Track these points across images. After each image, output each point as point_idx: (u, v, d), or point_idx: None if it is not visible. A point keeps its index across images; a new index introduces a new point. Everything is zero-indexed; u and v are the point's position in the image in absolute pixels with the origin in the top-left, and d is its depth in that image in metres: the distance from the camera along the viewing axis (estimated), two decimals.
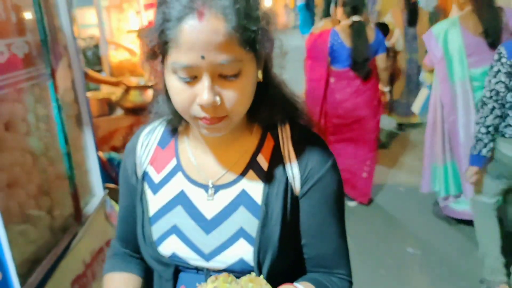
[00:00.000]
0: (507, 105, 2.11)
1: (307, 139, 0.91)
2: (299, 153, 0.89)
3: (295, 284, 0.86)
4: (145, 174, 0.94)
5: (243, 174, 0.89)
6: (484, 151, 2.19)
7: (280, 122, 0.91)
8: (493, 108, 2.13)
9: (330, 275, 0.91)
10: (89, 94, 3.29)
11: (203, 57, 0.72)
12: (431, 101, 2.97)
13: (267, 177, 0.88)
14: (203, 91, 0.74)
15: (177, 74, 0.75)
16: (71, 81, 1.64)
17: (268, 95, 0.86)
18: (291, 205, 0.88)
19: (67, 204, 1.53)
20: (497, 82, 2.10)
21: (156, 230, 0.91)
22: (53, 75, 1.43)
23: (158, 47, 0.76)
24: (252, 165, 0.89)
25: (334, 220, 0.91)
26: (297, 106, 0.94)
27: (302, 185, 0.88)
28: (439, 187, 3.07)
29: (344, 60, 3.22)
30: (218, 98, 0.75)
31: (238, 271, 0.87)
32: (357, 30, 3.13)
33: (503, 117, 2.14)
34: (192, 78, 0.75)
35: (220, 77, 0.75)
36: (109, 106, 3.29)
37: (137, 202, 0.94)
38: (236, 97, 0.77)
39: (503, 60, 2.07)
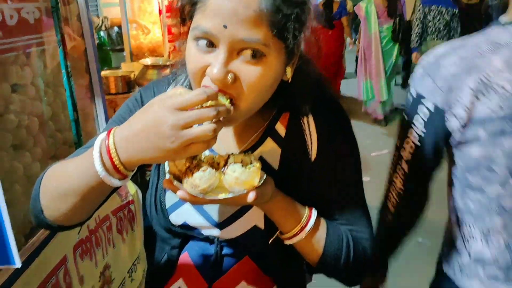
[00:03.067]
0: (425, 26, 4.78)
1: (326, 105, 0.89)
2: (318, 119, 0.87)
3: (314, 209, 0.85)
4: None
5: (261, 141, 0.88)
6: (416, 45, 4.83)
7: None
8: (417, 26, 4.76)
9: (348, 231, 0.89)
10: (108, 72, 3.36)
11: (225, 27, 0.67)
12: (360, 45, 5.60)
13: (284, 144, 0.87)
14: (216, 63, 0.69)
15: (197, 41, 0.71)
16: (83, 51, 1.66)
17: (294, 88, 0.83)
18: (307, 170, 0.87)
19: None
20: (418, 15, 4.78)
21: (170, 198, 0.89)
22: (63, 42, 1.45)
23: (187, 7, 0.74)
24: (270, 132, 0.88)
25: (351, 184, 0.89)
26: (323, 88, 0.90)
27: (319, 150, 0.87)
28: (365, 95, 5.63)
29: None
30: (230, 76, 0.70)
31: (250, 240, 0.87)
32: (326, 3, 5.75)
33: (423, 32, 4.79)
34: (210, 47, 0.71)
35: (240, 54, 0.70)
36: (128, 84, 3.32)
37: (153, 169, 0.93)
38: (251, 81, 0.71)
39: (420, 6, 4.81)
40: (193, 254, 0.92)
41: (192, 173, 0.67)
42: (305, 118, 0.88)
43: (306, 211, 0.84)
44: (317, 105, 0.88)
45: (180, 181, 0.70)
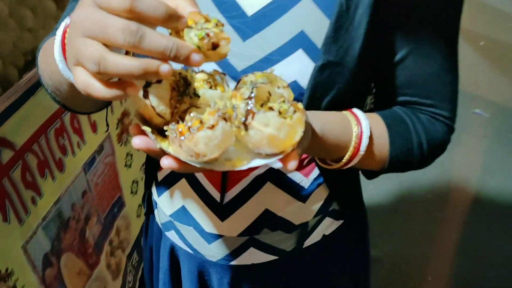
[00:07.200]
0: None
1: None
2: None
3: (355, 110, 0.59)
4: None
5: None
6: None
7: None
8: None
9: (418, 111, 0.63)
10: None
11: None
12: None
13: None
14: None
15: None
16: None
17: None
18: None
19: None
20: None
21: None
22: None
23: None
24: None
25: (444, 33, 0.60)
26: None
27: None
28: None
29: None
30: None
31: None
32: None
33: None
34: None
35: None
36: None
37: None
38: None
39: None
40: None
41: (188, 128, 0.40)
42: None
43: (354, 131, 0.58)
44: None
45: (160, 131, 0.43)
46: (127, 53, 0.44)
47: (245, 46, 0.58)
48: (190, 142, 0.39)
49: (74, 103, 0.61)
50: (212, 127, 0.39)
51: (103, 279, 1.34)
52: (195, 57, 0.39)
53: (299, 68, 0.57)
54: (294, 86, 0.58)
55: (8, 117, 0.92)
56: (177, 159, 0.41)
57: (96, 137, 1.25)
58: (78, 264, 1.21)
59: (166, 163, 0.41)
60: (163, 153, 0.42)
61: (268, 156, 0.44)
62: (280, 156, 0.43)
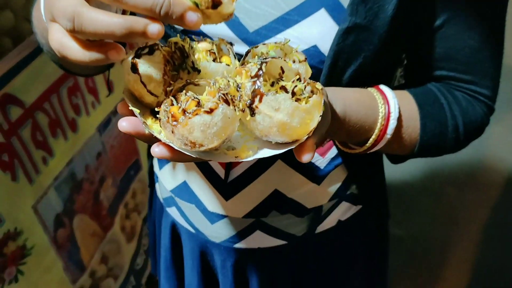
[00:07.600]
0: None
1: None
2: None
3: (382, 87, 0.52)
4: None
5: None
6: None
7: None
8: None
9: (455, 89, 0.56)
10: None
11: None
12: None
13: None
14: None
15: None
16: None
17: None
18: None
19: None
20: None
21: None
22: None
23: None
24: None
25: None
26: None
27: None
28: None
29: None
30: None
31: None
32: None
33: None
34: None
35: None
36: None
37: None
38: None
39: None
40: None
41: (183, 110, 0.33)
42: None
43: (380, 111, 0.51)
44: None
45: (153, 111, 0.38)
46: (124, 12, 0.38)
47: (259, 2, 0.51)
48: (184, 128, 0.33)
49: (68, 64, 0.55)
50: (211, 111, 0.33)
51: (116, 242, 1.33)
52: (191, 16, 0.32)
53: (321, 31, 0.50)
54: (313, 51, 0.51)
55: (17, 73, 0.89)
56: (169, 147, 0.35)
57: (112, 97, 1.21)
58: (91, 225, 1.20)
59: (157, 151, 0.36)
60: (155, 138, 0.36)
61: (279, 145, 0.38)
62: (293, 146, 0.37)
